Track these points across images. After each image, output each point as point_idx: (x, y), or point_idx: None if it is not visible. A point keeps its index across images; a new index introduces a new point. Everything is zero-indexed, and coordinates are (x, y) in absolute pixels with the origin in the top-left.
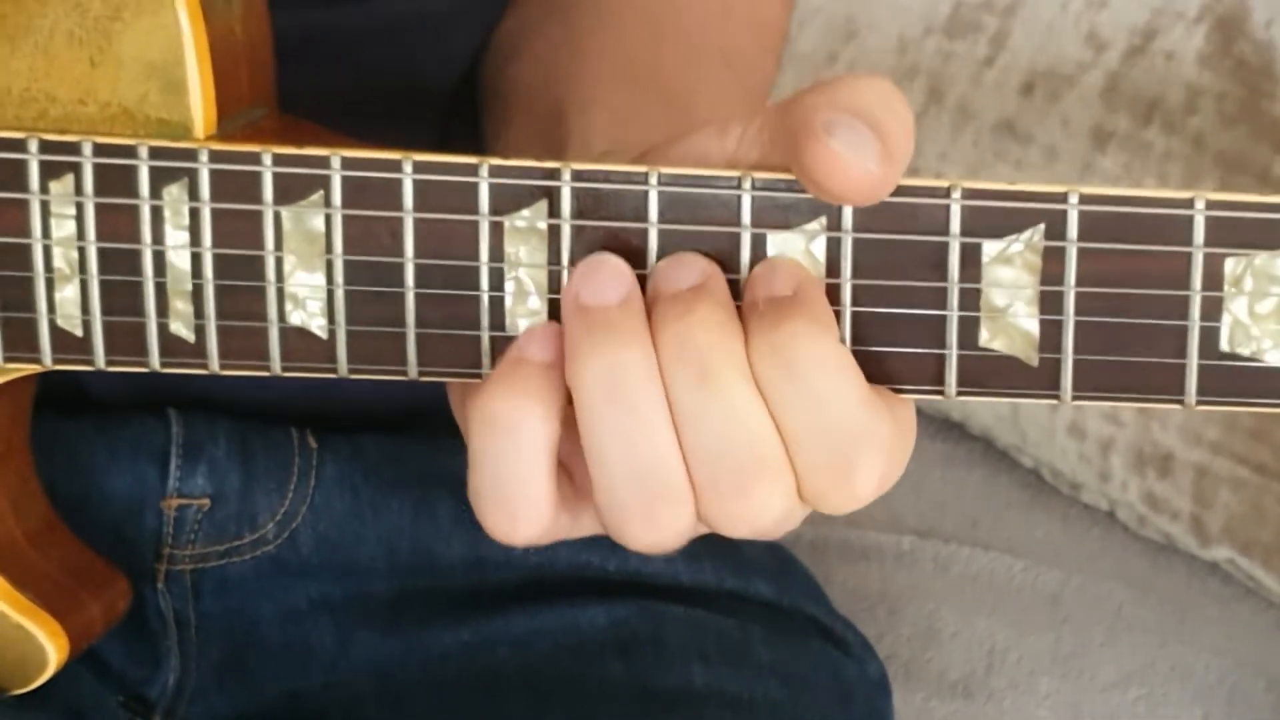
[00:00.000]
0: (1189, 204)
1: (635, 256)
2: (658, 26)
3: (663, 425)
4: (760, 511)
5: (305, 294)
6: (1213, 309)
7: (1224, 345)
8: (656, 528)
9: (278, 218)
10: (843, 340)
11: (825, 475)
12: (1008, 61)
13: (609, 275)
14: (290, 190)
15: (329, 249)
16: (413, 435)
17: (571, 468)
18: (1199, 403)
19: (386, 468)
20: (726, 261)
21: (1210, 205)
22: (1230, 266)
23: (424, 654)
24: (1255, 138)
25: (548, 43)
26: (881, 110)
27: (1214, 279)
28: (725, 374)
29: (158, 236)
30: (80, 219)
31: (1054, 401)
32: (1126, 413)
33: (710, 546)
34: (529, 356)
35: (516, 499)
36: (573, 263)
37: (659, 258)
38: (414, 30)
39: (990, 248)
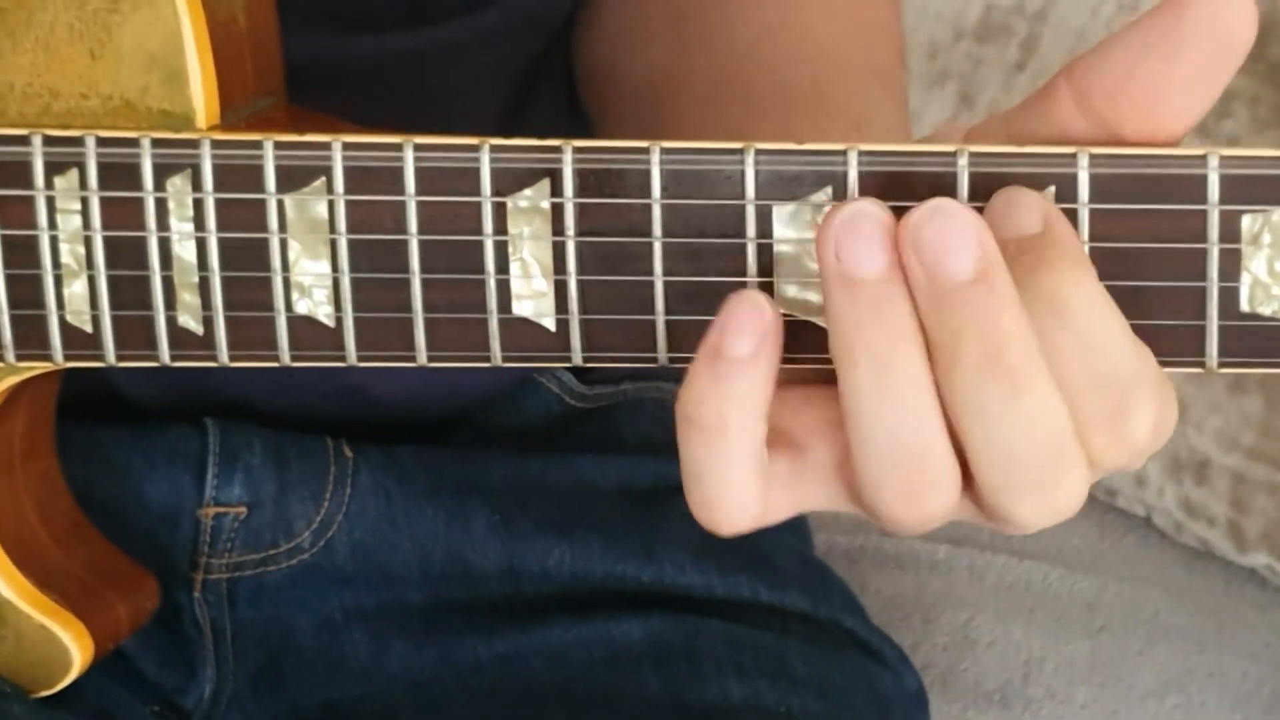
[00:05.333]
0: (1202, 161)
1: (640, 233)
2: (775, 45)
3: (932, 415)
4: (1065, 500)
5: (311, 282)
6: (1231, 268)
7: (1244, 305)
8: (918, 509)
9: (281, 206)
10: None
11: (1103, 428)
12: (1039, 66)
13: (873, 235)
14: (292, 178)
15: (333, 234)
16: (447, 445)
17: (796, 437)
18: (1221, 365)
19: (421, 476)
20: (732, 236)
21: (1224, 162)
22: (1247, 224)
23: (459, 665)
24: None
25: (648, 68)
26: None
27: (1231, 237)
28: (1034, 377)
29: (163, 228)
30: (86, 214)
31: None
32: None
33: (745, 559)
34: (729, 353)
35: (721, 498)
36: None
37: (664, 234)
38: (433, 61)
39: None
